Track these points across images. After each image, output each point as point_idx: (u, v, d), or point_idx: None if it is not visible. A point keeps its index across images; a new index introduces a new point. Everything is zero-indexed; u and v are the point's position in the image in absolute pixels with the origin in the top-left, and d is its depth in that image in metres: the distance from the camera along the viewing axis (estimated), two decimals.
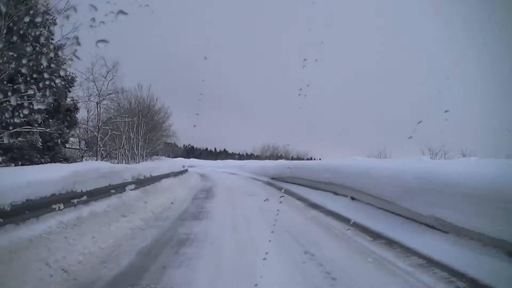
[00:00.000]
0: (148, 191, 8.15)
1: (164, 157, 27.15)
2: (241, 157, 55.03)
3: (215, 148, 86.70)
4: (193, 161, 43.70)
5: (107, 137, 13.08)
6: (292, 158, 43.15)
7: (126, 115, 13.69)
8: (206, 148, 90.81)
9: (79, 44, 1.96)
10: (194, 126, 4.39)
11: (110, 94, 12.71)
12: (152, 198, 7.64)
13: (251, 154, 57.29)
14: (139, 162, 16.33)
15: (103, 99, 12.55)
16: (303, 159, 42.37)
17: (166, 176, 11.45)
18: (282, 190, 10.36)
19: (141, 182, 8.28)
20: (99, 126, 12.46)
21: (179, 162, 31.45)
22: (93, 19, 1.62)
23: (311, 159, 44.33)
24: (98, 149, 12.52)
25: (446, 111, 2.74)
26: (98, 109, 12.61)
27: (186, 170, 20.10)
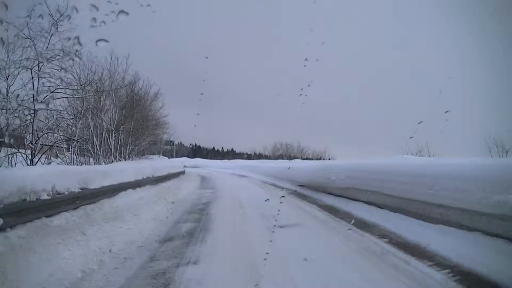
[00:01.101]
0: (44, 234, 3.38)
1: (159, 156, 22.58)
2: (249, 156, 50.03)
3: (222, 148, 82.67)
4: (197, 161, 39.11)
5: (51, 122, 8.46)
6: (307, 158, 38.08)
7: (81, 88, 8.99)
8: (213, 148, 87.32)
9: (80, 44, 2.12)
10: (195, 126, 4.49)
11: (56, 55, 8.11)
12: (35, 259, 2.89)
13: (259, 153, 52.12)
14: (112, 162, 11.76)
15: (41, 64, 7.96)
16: (317, 159, 37.15)
17: (135, 185, 6.77)
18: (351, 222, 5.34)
19: (37, 209, 3.55)
20: (35, 108, 7.90)
21: (178, 162, 27.00)
22: (94, 19, 1.63)
23: (320, 159, 39.13)
24: (33, 141, 7.93)
25: (446, 112, 2.75)
26: (34, 78, 8.06)
27: (183, 172, 15.54)
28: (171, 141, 28.57)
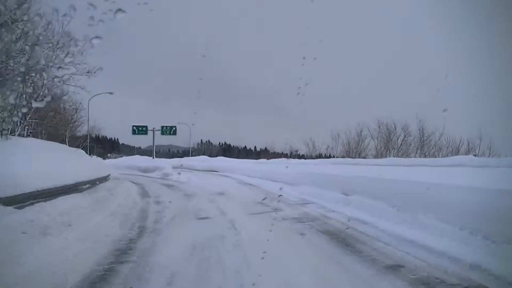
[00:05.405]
0: None
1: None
2: (300, 156, 34.21)
3: (255, 147, 69.31)
4: (219, 161, 24.94)
5: None
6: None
7: None
8: (245, 147, 75.00)
9: (76, 45, 3.12)
10: (192, 124, 3.37)
11: None
12: None
13: (298, 153, 35.85)
14: None
15: None
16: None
17: None
18: None
19: None
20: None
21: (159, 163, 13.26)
22: (92, 18, 1.62)
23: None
24: None
25: (444, 110, 3.01)
26: None
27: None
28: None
